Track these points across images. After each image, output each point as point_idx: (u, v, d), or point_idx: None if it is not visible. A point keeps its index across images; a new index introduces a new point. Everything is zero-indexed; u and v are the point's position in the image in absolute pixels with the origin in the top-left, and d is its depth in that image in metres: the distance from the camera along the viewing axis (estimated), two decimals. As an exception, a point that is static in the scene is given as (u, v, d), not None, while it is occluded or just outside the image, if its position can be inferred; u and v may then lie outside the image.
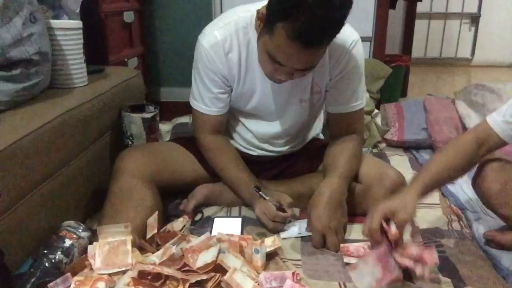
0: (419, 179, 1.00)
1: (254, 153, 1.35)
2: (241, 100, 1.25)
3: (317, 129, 1.46)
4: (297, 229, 1.18)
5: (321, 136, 1.50)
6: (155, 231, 1.04)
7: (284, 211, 1.16)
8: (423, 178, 1.00)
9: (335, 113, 1.27)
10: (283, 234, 1.16)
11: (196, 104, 1.24)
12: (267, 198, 1.16)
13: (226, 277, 0.90)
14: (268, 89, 1.20)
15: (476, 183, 1.11)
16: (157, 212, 1.07)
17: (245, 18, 1.14)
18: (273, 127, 1.29)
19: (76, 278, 0.88)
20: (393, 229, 0.94)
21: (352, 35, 1.16)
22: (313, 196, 1.14)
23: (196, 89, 1.23)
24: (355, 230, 1.20)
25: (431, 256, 0.94)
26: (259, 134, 1.31)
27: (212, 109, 1.23)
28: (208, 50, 1.15)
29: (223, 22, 1.16)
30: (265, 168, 1.37)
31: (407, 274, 0.99)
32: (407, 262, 0.93)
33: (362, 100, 1.26)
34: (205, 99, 1.22)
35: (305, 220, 1.16)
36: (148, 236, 1.04)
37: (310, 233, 1.13)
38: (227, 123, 1.35)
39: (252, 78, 1.19)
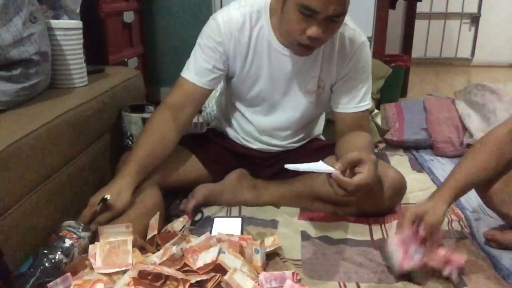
0: (451, 183, 1.01)
1: (254, 146, 1.35)
2: (244, 84, 1.24)
3: (319, 128, 1.46)
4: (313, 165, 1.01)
5: (322, 137, 1.49)
6: (156, 232, 1.04)
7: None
8: (456, 182, 1.00)
9: (342, 113, 1.26)
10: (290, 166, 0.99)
11: (187, 73, 1.21)
12: (98, 207, 1.01)
13: (226, 277, 0.90)
14: (274, 75, 1.21)
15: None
16: (158, 213, 1.07)
17: (261, 3, 1.17)
18: (276, 118, 1.29)
19: (74, 282, 0.88)
20: (421, 231, 0.96)
21: (361, 36, 1.21)
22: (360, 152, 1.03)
23: (193, 59, 1.21)
24: (355, 231, 1.20)
25: (460, 257, 0.97)
26: (261, 126, 1.31)
27: (202, 80, 1.19)
28: (220, 24, 1.16)
29: (239, 4, 1.18)
30: (265, 165, 1.37)
31: (408, 275, 1.00)
32: (435, 263, 0.96)
33: (369, 101, 1.26)
34: (198, 69, 1.19)
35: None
36: (148, 237, 1.04)
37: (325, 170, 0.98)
38: (229, 113, 1.35)
39: (259, 62, 1.20)
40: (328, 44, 1.19)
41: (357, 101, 1.24)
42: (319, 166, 1.00)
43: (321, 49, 1.19)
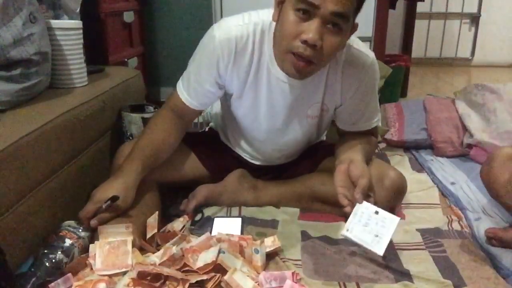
0: None
1: (255, 162, 1.34)
2: (241, 108, 1.19)
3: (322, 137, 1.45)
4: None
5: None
6: (155, 231, 1.04)
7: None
8: None
9: (347, 131, 1.24)
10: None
11: (181, 90, 1.17)
12: (104, 205, 1.01)
13: (226, 277, 0.90)
14: (274, 102, 1.15)
15: (483, 172, 1.11)
16: (157, 212, 1.07)
17: (266, 23, 1.07)
18: (276, 142, 1.26)
19: (75, 283, 0.88)
20: None
21: (368, 57, 1.12)
22: (341, 159, 1.09)
23: (188, 74, 1.16)
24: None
25: None
26: (261, 148, 1.29)
27: (193, 103, 1.16)
28: (217, 44, 1.07)
29: (243, 21, 1.07)
30: (265, 172, 1.37)
31: (408, 275, 1.00)
32: None
33: (377, 118, 1.24)
34: (191, 90, 1.15)
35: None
36: (148, 236, 1.04)
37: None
38: (227, 130, 1.33)
39: (258, 88, 1.13)
40: (331, 69, 1.11)
41: (362, 121, 1.21)
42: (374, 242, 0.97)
43: (324, 74, 1.12)
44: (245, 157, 1.35)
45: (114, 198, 1.00)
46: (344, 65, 1.11)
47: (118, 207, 1.03)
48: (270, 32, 1.06)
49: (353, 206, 0.99)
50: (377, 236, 0.97)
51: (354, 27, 1.00)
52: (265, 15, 1.07)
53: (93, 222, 1.00)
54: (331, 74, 1.13)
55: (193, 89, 1.15)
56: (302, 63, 0.96)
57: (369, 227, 0.98)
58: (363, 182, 0.99)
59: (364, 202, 1.00)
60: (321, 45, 0.93)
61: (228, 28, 1.07)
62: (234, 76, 1.12)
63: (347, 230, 0.98)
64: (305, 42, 0.92)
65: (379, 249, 0.96)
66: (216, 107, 1.44)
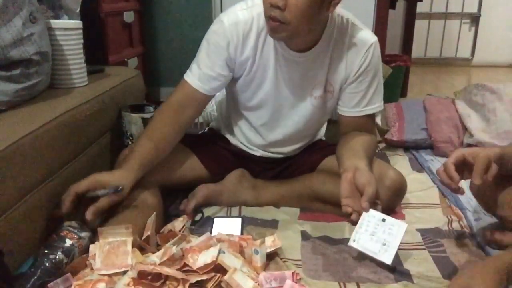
0: (502, 147, 1.00)
1: (257, 154, 1.35)
2: (249, 87, 1.22)
3: (322, 132, 1.45)
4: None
5: (323, 138, 1.49)
6: (149, 232, 1.03)
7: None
8: (508, 148, 0.99)
9: (348, 117, 1.25)
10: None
11: (190, 76, 1.19)
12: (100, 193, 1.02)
13: (226, 277, 0.90)
14: (279, 79, 1.19)
15: (473, 185, 1.11)
16: (154, 214, 1.06)
17: None
18: (281, 126, 1.27)
19: (75, 282, 0.88)
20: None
21: (373, 36, 1.18)
22: (346, 166, 1.07)
23: (197, 62, 1.19)
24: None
25: None
26: (268, 136, 1.30)
27: (204, 87, 1.18)
28: (226, 27, 1.13)
29: (247, 5, 1.15)
30: (266, 168, 1.37)
31: (408, 275, 1.00)
32: None
33: (379, 103, 1.24)
34: (202, 76, 1.18)
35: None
36: (143, 237, 1.03)
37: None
38: (231, 121, 1.34)
39: (265, 65, 1.17)
40: (337, 44, 1.16)
41: (364, 103, 1.22)
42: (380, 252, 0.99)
43: (329, 51, 1.16)
44: (245, 149, 1.35)
45: (118, 189, 1.01)
46: (348, 41, 1.15)
47: (116, 198, 1.03)
48: None
49: (359, 215, 0.99)
50: (384, 244, 0.98)
51: None
52: None
53: (90, 211, 0.98)
54: (335, 52, 1.17)
55: (204, 74, 1.18)
56: (273, 23, 1.03)
57: (376, 235, 0.99)
58: (370, 190, 0.98)
59: (371, 210, 0.99)
60: (284, 5, 1.00)
61: (235, 14, 1.14)
62: (244, 57, 1.16)
63: (354, 240, 0.99)
64: (271, 4, 1.01)
65: (387, 259, 0.97)
66: (220, 95, 1.46)
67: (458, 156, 0.95)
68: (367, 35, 1.17)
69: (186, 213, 1.23)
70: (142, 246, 1.01)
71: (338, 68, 1.18)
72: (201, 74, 1.18)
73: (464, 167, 0.95)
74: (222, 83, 1.20)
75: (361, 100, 1.22)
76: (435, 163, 1.69)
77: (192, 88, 1.19)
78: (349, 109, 1.24)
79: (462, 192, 0.99)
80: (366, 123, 1.25)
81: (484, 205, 1.11)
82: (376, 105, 1.24)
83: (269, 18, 1.04)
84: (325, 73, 1.19)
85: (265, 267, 1.00)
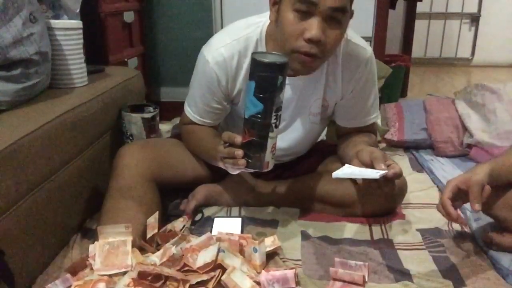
0: (491, 161, 1.02)
1: None
2: None
3: (322, 136, 1.45)
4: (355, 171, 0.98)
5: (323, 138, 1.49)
6: (155, 230, 1.04)
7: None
8: (495, 162, 1.01)
9: (346, 127, 1.25)
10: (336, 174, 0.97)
11: (191, 113, 1.22)
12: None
13: (223, 277, 0.90)
14: None
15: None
16: (157, 212, 1.07)
17: (256, 32, 1.11)
18: (281, 142, 1.23)
19: (75, 283, 0.88)
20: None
21: (367, 51, 1.16)
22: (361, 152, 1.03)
23: (193, 99, 1.21)
24: (355, 231, 1.20)
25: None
26: None
27: (206, 121, 1.22)
28: (213, 68, 1.12)
29: (231, 38, 1.12)
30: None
31: (408, 275, 1.00)
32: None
33: (376, 113, 1.25)
34: (201, 111, 1.20)
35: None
36: (148, 236, 1.04)
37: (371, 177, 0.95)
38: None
39: None
40: (331, 63, 1.14)
41: (361, 116, 1.23)
42: (366, 171, 0.96)
43: (324, 69, 1.15)
44: None
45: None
46: (343, 58, 1.14)
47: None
48: (262, 40, 1.11)
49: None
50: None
51: (351, 15, 1.02)
52: (253, 24, 1.12)
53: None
54: (331, 68, 1.16)
55: (203, 111, 1.20)
56: (309, 59, 0.99)
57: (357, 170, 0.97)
58: (378, 154, 0.97)
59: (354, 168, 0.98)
60: (324, 40, 0.96)
61: (218, 51, 1.11)
62: (237, 90, 1.16)
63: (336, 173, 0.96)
64: (309, 40, 0.96)
65: (372, 174, 0.93)
66: None
67: (452, 188, 0.97)
68: (361, 51, 1.15)
69: (186, 213, 1.23)
70: (142, 246, 1.02)
71: (334, 84, 1.17)
72: (200, 110, 1.20)
73: (460, 195, 0.97)
74: (224, 112, 1.22)
75: (358, 112, 1.23)
76: (435, 163, 1.69)
77: (197, 120, 1.22)
78: (347, 121, 1.25)
79: (462, 221, 1.02)
80: (366, 127, 1.26)
81: (483, 207, 1.11)
82: (373, 116, 1.25)
83: (302, 53, 0.98)
84: (321, 91, 1.18)
85: (265, 267, 1.00)
